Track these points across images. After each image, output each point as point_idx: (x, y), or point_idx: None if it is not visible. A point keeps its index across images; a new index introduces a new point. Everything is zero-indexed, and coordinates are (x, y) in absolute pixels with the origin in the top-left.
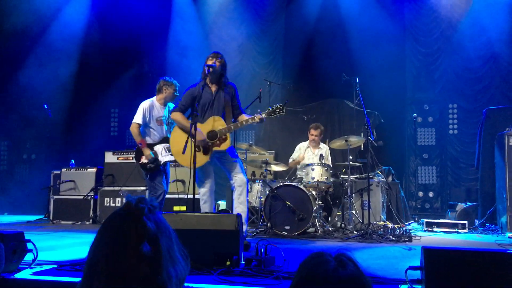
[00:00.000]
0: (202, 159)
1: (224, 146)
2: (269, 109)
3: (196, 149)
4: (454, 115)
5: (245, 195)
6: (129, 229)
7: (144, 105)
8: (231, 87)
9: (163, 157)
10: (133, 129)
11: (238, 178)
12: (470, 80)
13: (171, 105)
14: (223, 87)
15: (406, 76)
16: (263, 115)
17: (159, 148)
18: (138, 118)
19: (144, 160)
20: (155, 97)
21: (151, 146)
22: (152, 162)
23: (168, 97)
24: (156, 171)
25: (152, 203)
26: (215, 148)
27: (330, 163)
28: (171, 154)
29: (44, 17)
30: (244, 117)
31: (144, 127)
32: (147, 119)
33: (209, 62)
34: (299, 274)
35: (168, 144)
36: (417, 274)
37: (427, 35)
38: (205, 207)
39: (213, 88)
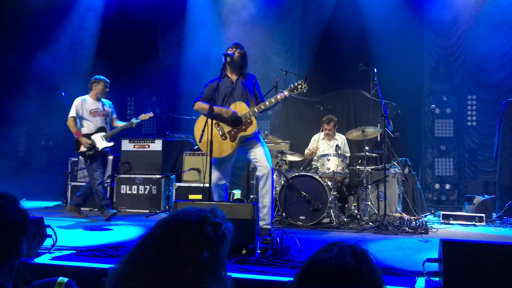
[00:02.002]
0: (228, 147)
1: (251, 130)
2: (290, 86)
3: (222, 137)
4: (473, 106)
5: (268, 186)
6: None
7: (77, 101)
8: (252, 77)
9: (101, 144)
10: (69, 122)
11: (262, 167)
12: (490, 71)
13: (106, 102)
14: (245, 77)
15: (424, 67)
16: (286, 93)
17: (96, 137)
18: (72, 113)
19: (82, 148)
20: (88, 94)
21: (88, 136)
22: (91, 149)
23: (99, 93)
24: (95, 158)
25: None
26: (242, 134)
27: (348, 152)
28: (108, 141)
29: (60, 6)
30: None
31: (80, 120)
32: (81, 112)
33: (229, 52)
34: (307, 260)
35: (104, 133)
36: (434, 266)
37: (446, 26)
38: (216, 196)
39: (234, 78)
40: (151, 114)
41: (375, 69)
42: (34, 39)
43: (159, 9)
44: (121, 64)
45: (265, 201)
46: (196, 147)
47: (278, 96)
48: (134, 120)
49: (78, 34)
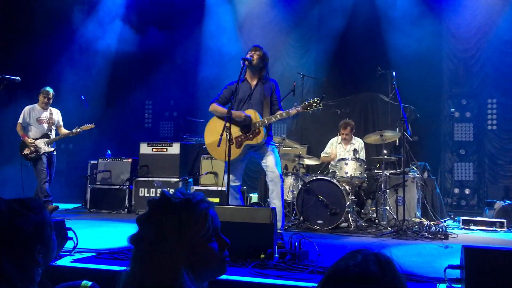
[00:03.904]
0: (233, 152)
1: (257, 139)
2: (305, 103)
3: (229, 142)
4: (493, 110)
5: (277, 191)
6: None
7: (25, 109)
8: (272, 83)
9: (42, 149)
10: (17, 127)
11: (269, 173)
12: (510, 75)
13: (55, 111)
14: (264, 82)
15: (443, 70)
16: (299, 109)
17: (39, 142)
18: (20, 119)
19: (26, 151)
20: (37, 103)
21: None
22: (33, 152)
23: (42, 103)
24: (37, 160)
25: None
26: (248, 142)
27: (364, 157)
28: (50, 147)
29: (80, 11)
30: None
31: (27, 126)
32: (28, 119)
33: (247, 56)
34: (330, 267)
35: (47, 139)
36: (456, 273)
37: (465, 29)
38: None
39: (253, 83)
40: (92, 125)
41: (394, 73)
42: (54, 44)
43: (176, 13)
44: (139, 68)
45: (275, 205)
46: None
47: (291, 111)
48: (74, 130)
49: (97, 37)
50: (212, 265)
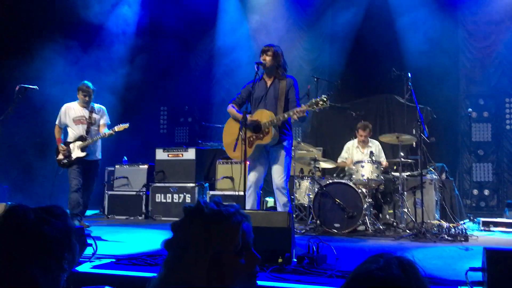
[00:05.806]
0: (247, 151)
1: (266, 139)
2: (311, 101)
3: (243, 141)
4: (511, 109)
5: (281, 199)
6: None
7: (62, 108)
8: (288, 80)
9: (74, 154)
10: (55, 129)
11: (273, 182)
12: None
13: (97, 108)
14: (280, 79)
15: (459, 70)
16: (304, 107)
17: (73, 146)
18: (57, 120)
19: (60, 156)
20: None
21: (68, 144)
22: (66, 158)
23: (81, 101)
24: (69, 167)
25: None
26: (258, 142)
27: (384, 158)
28: (82, 151)
29: (96, 19)
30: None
31: (65, 127)
32: (65, 120)
33: (260, 60)
34: (352, 272)
35: (80, 142)
36: (478, 275)
37: (481, 27)
38: (247, 201)
39: (269, 82)
40: (126, 126)
41: (409, 73)
42: (70, 52)
43: (190, 19)
44: (153, 74)
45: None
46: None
47: (296, 110)
48: (106, 132)
49: (112, 44)
50: (240, 280)
